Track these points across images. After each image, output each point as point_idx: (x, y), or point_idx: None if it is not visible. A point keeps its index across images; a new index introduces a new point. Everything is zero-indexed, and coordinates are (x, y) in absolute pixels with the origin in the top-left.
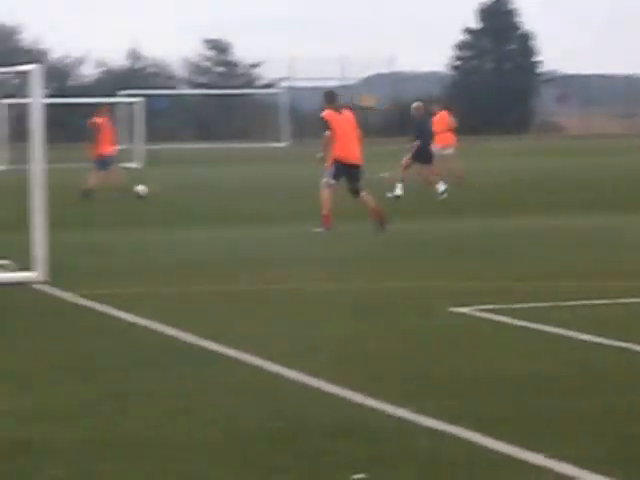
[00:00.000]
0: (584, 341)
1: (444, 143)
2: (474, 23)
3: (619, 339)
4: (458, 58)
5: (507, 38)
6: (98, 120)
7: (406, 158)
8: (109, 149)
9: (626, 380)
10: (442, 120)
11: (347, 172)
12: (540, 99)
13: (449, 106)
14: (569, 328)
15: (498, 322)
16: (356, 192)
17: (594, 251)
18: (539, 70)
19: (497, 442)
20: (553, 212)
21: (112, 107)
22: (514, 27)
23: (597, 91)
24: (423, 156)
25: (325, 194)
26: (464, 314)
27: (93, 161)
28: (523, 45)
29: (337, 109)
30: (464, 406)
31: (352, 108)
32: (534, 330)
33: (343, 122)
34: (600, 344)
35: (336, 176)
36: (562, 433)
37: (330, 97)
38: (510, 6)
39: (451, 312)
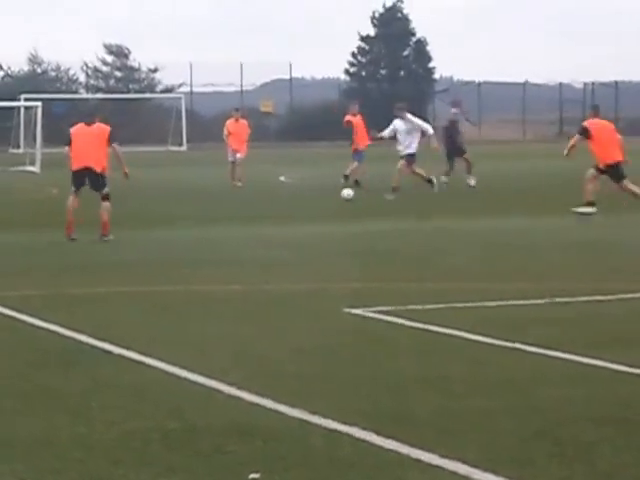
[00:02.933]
0: (476, 341)
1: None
2: (369, 29)
3: (509, 340)
4: (354, 65)
5: (402, 44)
6: None
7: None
8: None
9: (516, 380)
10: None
11: None
12: (434, 106)
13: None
14: (462, 329)
15: (392, 323)
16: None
17: (493, 253)
18: (433, 76)
19: (392, 441)
20: (453, 215)
21: (12, 111)
22: (409, 33)
23: (490, 98)
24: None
25: None
26: (359, 315)
27: None
28: (418, 51)
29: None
30: (359, 406)
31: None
32: (428, 331)
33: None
34: (491, 344)
35: None
36: (455, 432)
37: None
38: (404, 12)
39: (346, 313)
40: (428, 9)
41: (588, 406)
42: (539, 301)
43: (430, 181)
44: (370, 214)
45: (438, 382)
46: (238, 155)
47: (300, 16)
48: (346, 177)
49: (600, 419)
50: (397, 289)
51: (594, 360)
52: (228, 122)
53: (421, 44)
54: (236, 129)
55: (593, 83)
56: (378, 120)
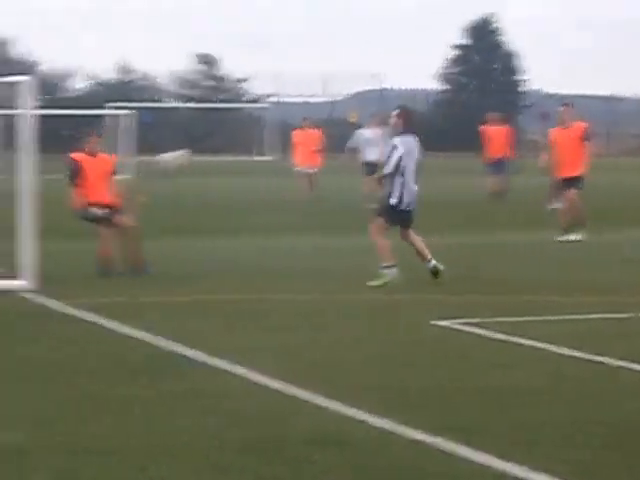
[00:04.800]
0: (561, 354)
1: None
2: (461, 40)
3: (594, 353)
4: (445, 76)
5: (493, 56)
6: None
7: None
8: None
9: (599, 393)
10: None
11: None
12: (523, 118)
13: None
14: (547, 342)
15: (478, 335)
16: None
17: (571, 267)
18: (522, 89)
19: (478, 453)
20: (531, 228)
21: (101, 119)
22: (499, 45)
23: (577, 111)
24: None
25: None
26: (445, 327)
27: None
28: (507, 63)
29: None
30: (445, 418)
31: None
32: (514, 343)
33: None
34: (576, 357)
35: None
36: (539, 445)
37: None
38: (495, 25)
39: (433, 325)
40: (519, 21)
41: None
42: (626, 315)
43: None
44: (453, 225)
45: (521, 394)
46: (311, 170)
47: (391, 27)
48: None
49: None
50: (484, 301)
51: None
52: (295, 132)
53: (511, 56)
54: (304, 139)
55: None
56: (464, 131)
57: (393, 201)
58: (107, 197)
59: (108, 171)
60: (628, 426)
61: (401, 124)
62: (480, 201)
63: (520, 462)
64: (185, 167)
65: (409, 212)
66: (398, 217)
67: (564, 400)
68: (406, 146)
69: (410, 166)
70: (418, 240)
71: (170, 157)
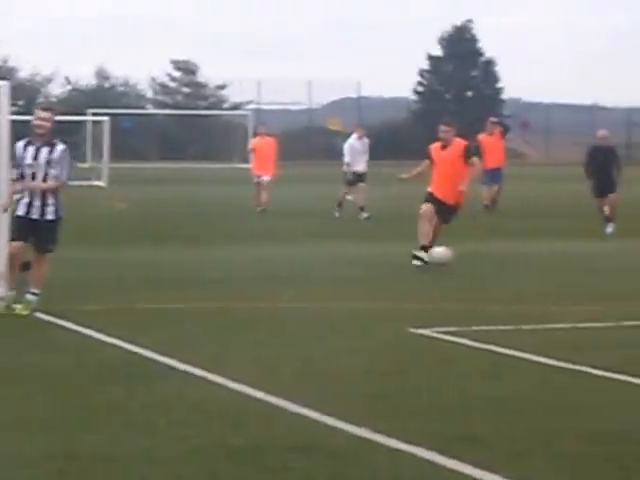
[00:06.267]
0: (541, 364)
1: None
2: (437, 50)
3: (576, 362)
4: (422, 84)
5: (470, 65)
6: None
7: None
8: None
9: (582, 403)
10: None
11: None
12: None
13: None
14: (528, 351)
15: (457, 344)
16: None
17: (554, 276)
18: (500, 97)
19: (456, 462)
20: (514, 237)
21: (79, 125)
22: (477, 54)
23: (558, 120)
24: None
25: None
26: (424, 335)
27: None
28: (486, 72)
29: None
30: (423, 426)
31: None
32: (494, 352)
33: None
34: (557, 367)
35: None
36: (520, 455)
37: None
38: (472, 33)
39: (411, 333)
40: (497, 29)
41: None
42: (606, 324)
43: (340, 205)
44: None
45: (504, 404)
46: (265, 178)
47: (370, 36)
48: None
49: None
50: (462, 310)
51: None
52: (253, 140)
53: (489, 65)
54: (261, 146)
55: None
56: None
57: None
58: None
59: None
60: (621, 438)
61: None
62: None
63: (506, 473)
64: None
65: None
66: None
67: (550, 410)
68: None
69: None
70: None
71: None
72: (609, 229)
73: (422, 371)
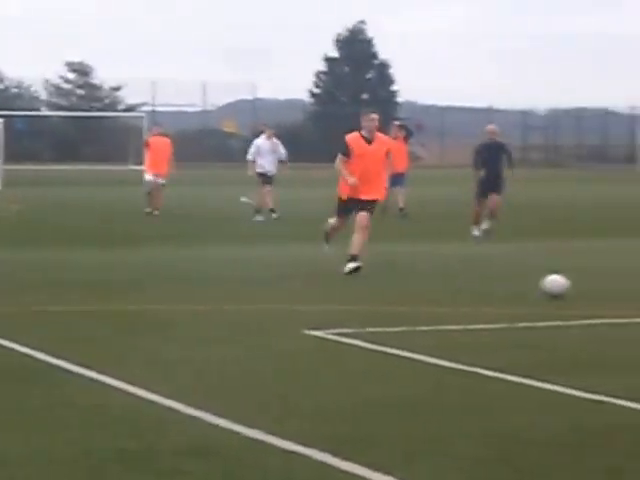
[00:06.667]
0: (435, 365)
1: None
2: (333, 52)
3: (469, 364)
4: (318, 86)
5: (365, 67)
6: None
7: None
8: None
9: (475, 405)
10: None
11: None
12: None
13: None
14: (422, 352)
15: (352, 345)
16: None
17: (447, 278)
18: (396, 100)
19: (349, 464)
20: (408, 239)
21: None
22: (371, 56)
23: (452, 123)
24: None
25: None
26: (318, 337)
27: None
28: (381, 75)
29: None
30: (318, 428)
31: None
32: (388, 354)
33: None
34: (451, 368)
35: None
36: (415, 457)
37: None
38: (367, 35)
39: (305, 335)
40: (393, 32)
41: (546, 432)
42: (499, 325)
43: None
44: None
45: (398, 406)
46: (160, 180)
47: (266, 38)
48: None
49: (558, 444)
50: (357, 311)
51: (552, 386)
52: (147, 140)
53: (384, 67)
54: (157, 145)
55: (556, 110)
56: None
57: None
58: None
59: None
60: (514, 439)
61: None
62: None
63: (399, 474)
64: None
65: None
66: None
67: (443, 412)
68: None
69: None
70: None
71: None
72: (483, 226)
73: (315, 373)
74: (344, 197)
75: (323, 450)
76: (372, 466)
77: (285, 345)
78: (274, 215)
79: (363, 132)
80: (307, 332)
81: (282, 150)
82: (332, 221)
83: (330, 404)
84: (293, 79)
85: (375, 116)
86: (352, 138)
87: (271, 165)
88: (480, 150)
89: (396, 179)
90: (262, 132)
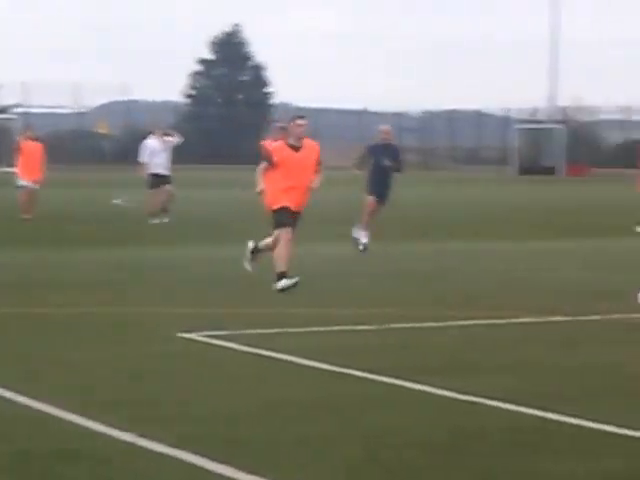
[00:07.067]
0: (307, 367)
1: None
2: (208, 53)
3: (341, 365)
4: (192, 88)
5: (240, 69)
6: None
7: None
8: None
9: (347, 406)
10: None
11: None
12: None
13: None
14: (294, 354)
15: (225, 348)
16: None
17: (320, 280)
18: (271, 102)
19: (222, 466)
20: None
21: None
22: (246, 58)
23: (326, 125)
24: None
25: None
26: (192, 340)
27: None
28: (255, 76)
29: None
30: (189, 431)
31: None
32: (261, 356)
33: None
34: (323, 370)
35: None
36: (287, 458)
37: None
38: (242, 37)
39: (179, 338)
40: (270, 35)
41: (419, 432)
42: (371, 327)
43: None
44: (201, 238)
45: (272, 408)
46: (33, 186)
47: (140, 40)
48: None
49: (431, 445)
50: (232, 314)
51: (424, 386)
52: (18, 143)
53: (259, 69)
54: (29, 150)
55: (431, 112)
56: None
57: None
58: None
59: None
60: (387, 440)
61: None
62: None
63: (272, 476)
64: None
65: None
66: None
67: (318, 414)
68: None
69: None
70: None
71: None
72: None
73: (189, 376)
74: (275, 207)
75: (195, 453)
76: (244, 468)
77: (157, 347)
78: (165, 219)
79: (290, 139)
80: (181, 335)
81: (173, 139)
82: (269, 240)
83: (202, 407)
84: (169, 81)
85: (303, 122)
86: (275, 146)
87: (166, 165)
88: (372, 150)
89: None
90: (151, 133)
